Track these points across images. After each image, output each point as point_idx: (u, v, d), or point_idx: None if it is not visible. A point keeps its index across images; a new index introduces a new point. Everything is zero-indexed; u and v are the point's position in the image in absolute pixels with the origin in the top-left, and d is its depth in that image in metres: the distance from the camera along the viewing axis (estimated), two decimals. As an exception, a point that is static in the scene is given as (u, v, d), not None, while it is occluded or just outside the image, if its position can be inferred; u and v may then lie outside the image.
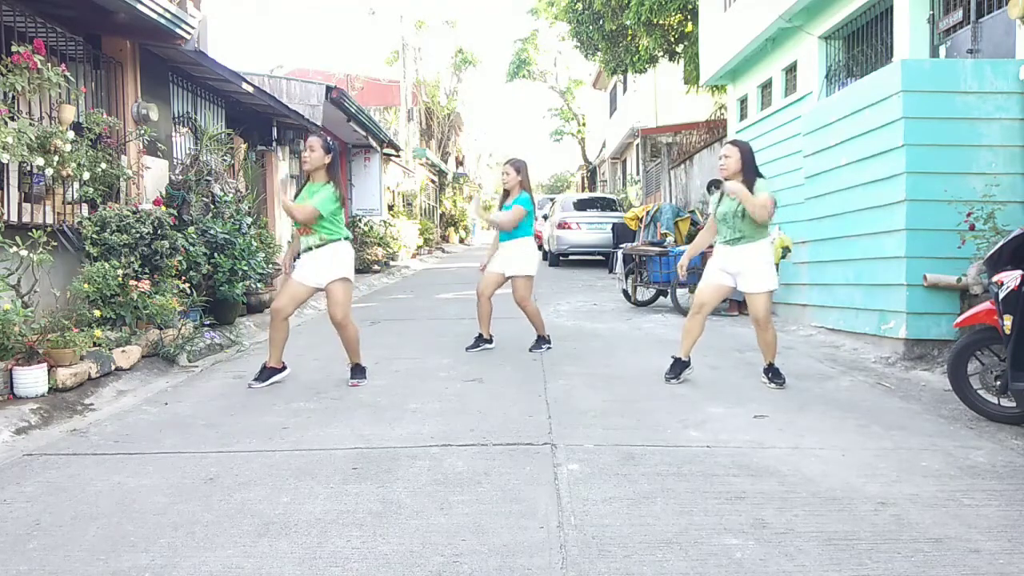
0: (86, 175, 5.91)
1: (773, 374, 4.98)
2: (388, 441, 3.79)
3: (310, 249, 4.95)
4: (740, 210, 4.84)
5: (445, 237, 31.37)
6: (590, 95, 35.06)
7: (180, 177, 7.75)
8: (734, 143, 4.97)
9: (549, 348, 6.33)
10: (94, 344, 5.08)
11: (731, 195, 4.81)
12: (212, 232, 7.28)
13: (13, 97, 5.43)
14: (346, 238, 5.04)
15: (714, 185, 5.21)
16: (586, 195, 20.96)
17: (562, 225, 15.92)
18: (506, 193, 6.33)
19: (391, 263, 16.69)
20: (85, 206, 6.29)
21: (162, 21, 6.30)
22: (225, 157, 8.83)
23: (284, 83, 12.50)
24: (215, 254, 7.19)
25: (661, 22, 14.76)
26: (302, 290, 5.02)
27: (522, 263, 6.17)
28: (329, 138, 5.20)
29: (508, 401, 4.60)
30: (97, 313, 5.48)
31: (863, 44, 8.63)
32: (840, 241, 6.84)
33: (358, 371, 5.16)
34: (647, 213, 12.68)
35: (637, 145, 24.10)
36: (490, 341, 6.38)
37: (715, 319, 8.07)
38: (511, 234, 6.20)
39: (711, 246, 5.39)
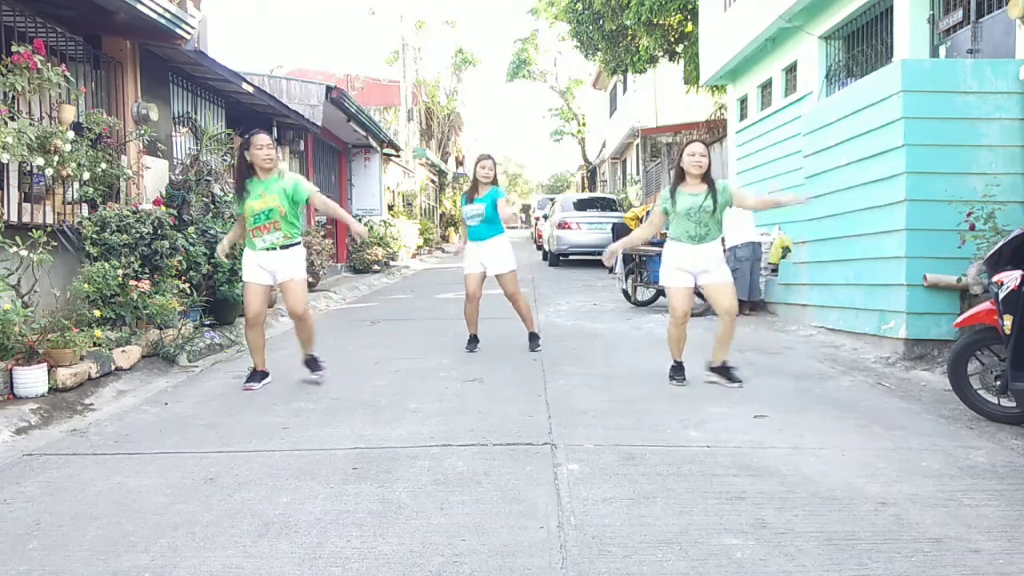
0: (86, 175, 5.91)
1: (728, 374, 5.02)
2: (388, 441, 3.79)
3: (272, 248, 4.91)
4: (708, 207, 4.84)
5: (445, 237, 31.36)
6: (590, 95, 35.06)
7: (180, 177, 7.75)
8: (703, 143, 5.03)
9: (538, 347, 6.37)
10: (94, 344, 5.08)
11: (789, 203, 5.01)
12: (212, 232, 7.28)
13: (13, 97, 5.43)
14: (302, 238, 5.13)
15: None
16: (586, 195, 20.97)
17: (562, 225, 15.92)
18: (475, 186, 6.27)
19: (391, 263, 16.70)
20: (85, 206, 6.29)
21: (162, 21, 6.30)
22: (225, 157, 8.83)
23: (284, 83, 12.50)
24: (215, 254, 7.18)
25: (661, 22, 14.76)
26: (266, 291, 5.05)
27: (504, 259, 6.20)
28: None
29: (508, 401, 4.60)
30: (97, 313, 5.48)
31: (863, 44, 8.62)
32: (840, 241, 6.84)
33: (314, 363, 5.17)
34: (647, 213, 12.68)
35: (637, 145, 24.11)
36: (478, 340, 6.43)
37: (715, 319, 8.05)
38: (488, 233, 6.19)
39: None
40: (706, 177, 4.91)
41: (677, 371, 5.09)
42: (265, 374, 5.16)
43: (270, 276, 4.99)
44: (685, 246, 4.93)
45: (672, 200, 4.96)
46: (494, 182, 6.26)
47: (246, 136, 4.92)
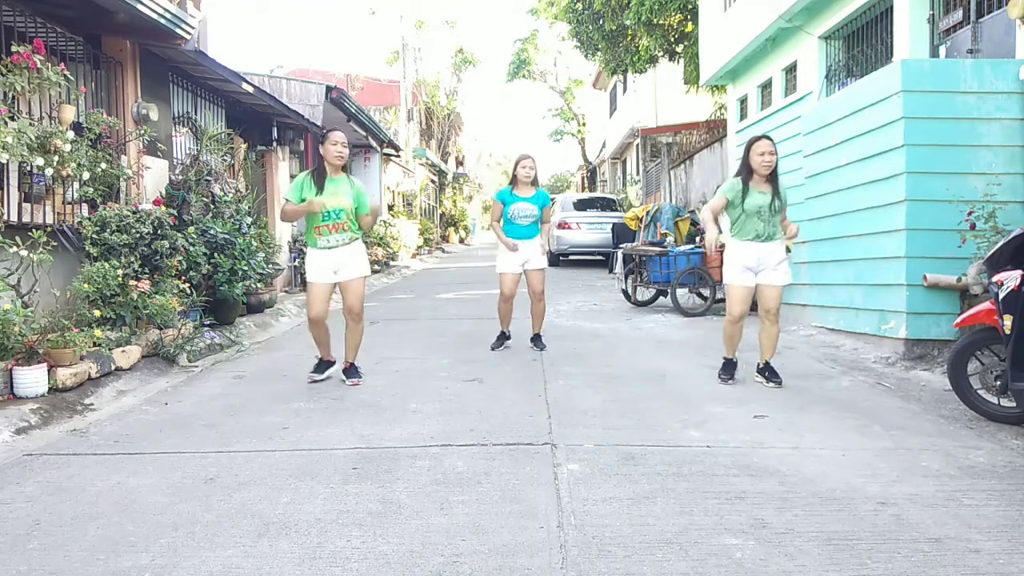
0: (86, 175, 5.90)
1: (771, 372, 4.99)
2: (388, 441, 3.79)
3: (335, 247, 4.93)
4: (776, 206, 4.85)
5: (445, 237, 31.37)
6: (590, 95, 35.05)
7: (180, 177, 7.75)
8: (770, 139, 4.91)
9: (544, 346, 6.39)
10: (94, 344, 5.08)
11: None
12: (212, 232, 7.28)
13: (13, 97, 5.43)
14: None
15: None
16: (586, 195, 20.97)
17: (562, 225, 15.91)
18: (514, 183, 6.23)
19: (391, 263, 16.70)
20: (85, 206, 6.29)
21: (162, 21, 6.30)
22: (225, 157, 8.83)
23: (284, 83, 12.50)
24: (215, 254, 7.18)
25: (661, 22, 14.76)
26: (330, 290, 5.07)
27: (543, 257, 6.30)
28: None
29: (508, 401, 4.60)
30: (97, 313, 5.48)
31: (863, 44, 8.63)
32: (840, 241, 6.84)
33: (354, 371, 5.19)
34: (647, 213, 12.68)
35: (637, 145, 24.10)
36: (509, 337, 6.44)
37: (716, 319, 8.06)
38: (534, 232, 6.22)
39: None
40: (772, 175, 4.87)
41: (727, 368, 5.09)
42: (331, 363, 5.21)
43: (334, 274, 5.00)
44: (754, 244, 4.89)
45: (743, 198, 4.87)
46: (535, 182, 6.25)
47: (324, 131, 5.00)
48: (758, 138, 4.93)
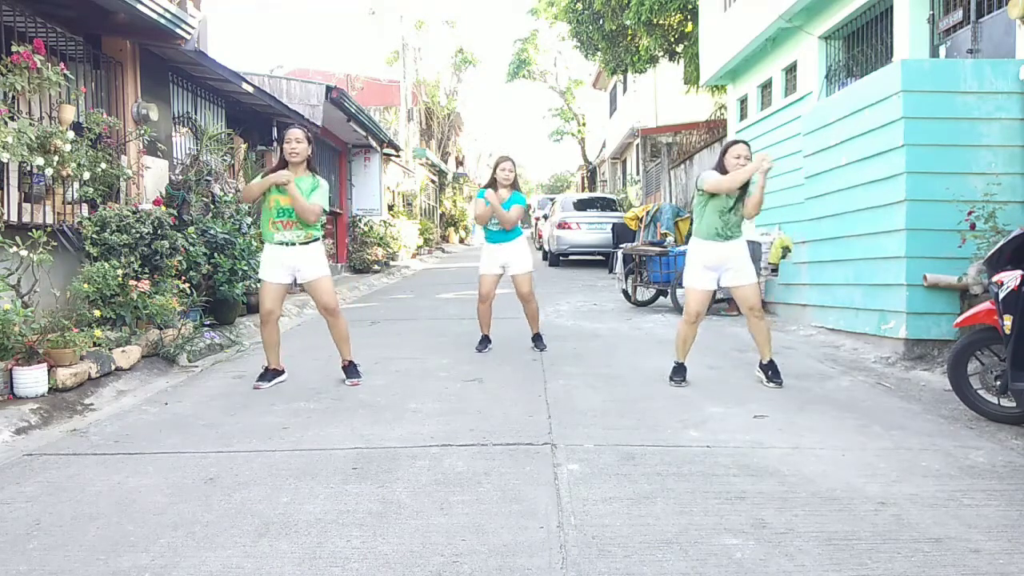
0: (86, 175, 5.90)
1: (772, 372, 4.98)
2: (388, 441, 3.79)
3: (291, 244, 4.92)
4: (738, 208, 4.87)
5: (445, 237, 31.37)
6: (590, 95, 35.05)
7: (180, 177, 7.75)
8: (746, 143, 4.94)
9: (544, 346, 6.37)
10: (94, 344, 5.08)
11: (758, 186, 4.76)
12: (212, 232, 7.28)
13: (13, 97, 5.43)
14: (323, 236, 5.09)
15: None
16: (586, 195, 20.97)
17: (562, 225, 15.92)
18: (493, 187, 6.15)
19: (391, 263, 16.70)
20: (85, 206, 6.29)
21: (162, 21, 6.30)
22: (225, 157, 8.84)
23: (284, 83, 12.50)
24: (215, 254, 7.19)
25: (661, 22, 14.77)
26: (282, 290, 5.06)
27: (525, 260, 6.23)
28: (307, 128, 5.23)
29: (508, 401, 4.60)
30: (97, 313, 5.48)
31: (863, 44, 8.63)
32: (840, 241, 6.84)
33: (353, 370, 5.18)
34: (647, 213, 12.69)
35: (637, 145, 24.11)
36: (490, 341, 6.41)
37: (715, 319, 8.07)
38: (510, 236, 6.17)
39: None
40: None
41: (678, 371, 5.07)
42: (278, 372, 5.17)
43: (289, 274, 4.99)
44: (713, 244, 4.90)
45: (708, 195, 4.91)
46: (514, 185, 6.19)
47: (284, 131, 4.99)
48: (736, 142, 4.97)
